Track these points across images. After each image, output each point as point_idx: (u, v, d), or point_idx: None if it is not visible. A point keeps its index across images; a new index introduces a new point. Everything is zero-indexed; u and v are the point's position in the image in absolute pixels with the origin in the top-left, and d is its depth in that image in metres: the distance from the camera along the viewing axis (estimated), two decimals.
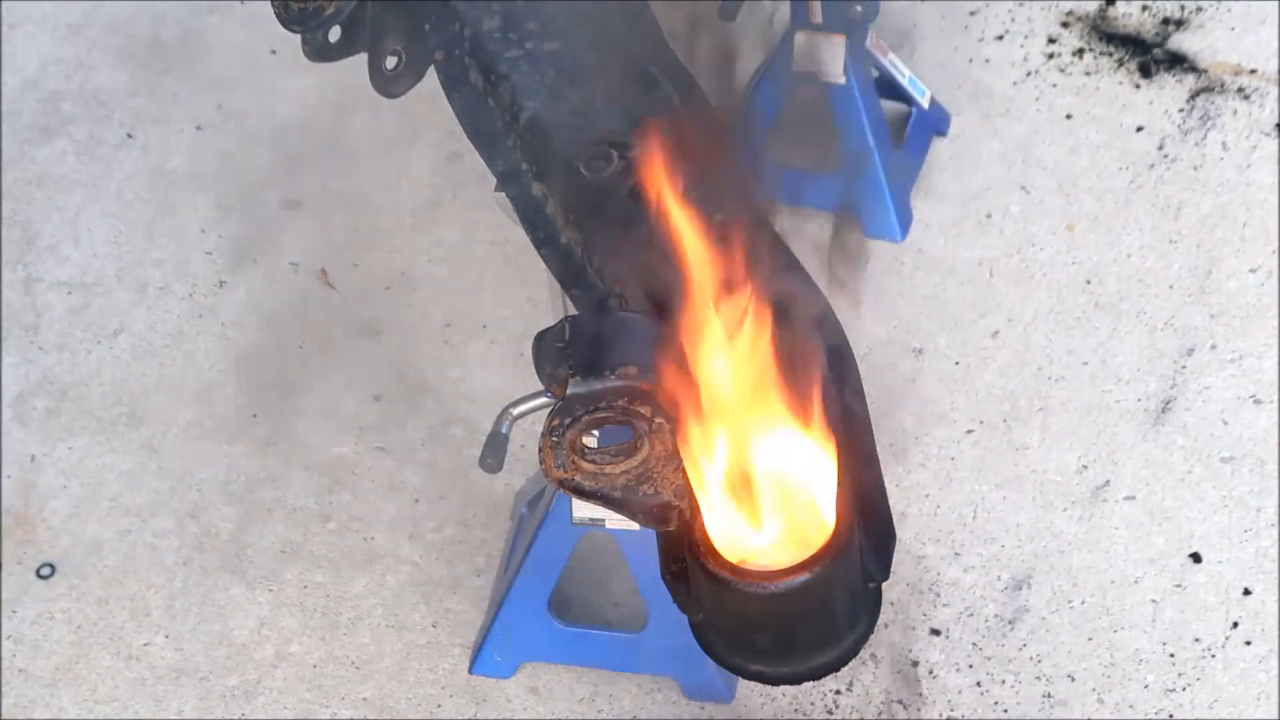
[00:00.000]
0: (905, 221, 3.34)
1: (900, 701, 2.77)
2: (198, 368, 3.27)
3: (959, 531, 2.94)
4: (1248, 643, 2.79)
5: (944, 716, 2.75)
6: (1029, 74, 3.57)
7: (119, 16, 3.86)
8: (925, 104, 3.43)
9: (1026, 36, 3.63)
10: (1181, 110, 3.48)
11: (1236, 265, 3.24)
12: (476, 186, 3.46)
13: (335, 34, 2.36)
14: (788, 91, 3.30)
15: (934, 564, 2.91)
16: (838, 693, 2.78)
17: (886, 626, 2.83)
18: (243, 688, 2.87)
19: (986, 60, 3.61)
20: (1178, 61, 3.56)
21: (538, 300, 3.27)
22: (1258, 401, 3.06)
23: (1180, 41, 3.60)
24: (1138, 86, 3.53)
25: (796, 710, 2.77)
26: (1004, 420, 3.08)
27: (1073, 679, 2.78)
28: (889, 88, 3.39)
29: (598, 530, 2.63)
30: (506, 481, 3.05)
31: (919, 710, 2.76)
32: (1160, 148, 3.43)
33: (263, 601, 2.96)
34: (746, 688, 2.79)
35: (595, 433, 1.97)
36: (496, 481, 3.05)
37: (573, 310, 2.34)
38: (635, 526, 2.02)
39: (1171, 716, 2.73)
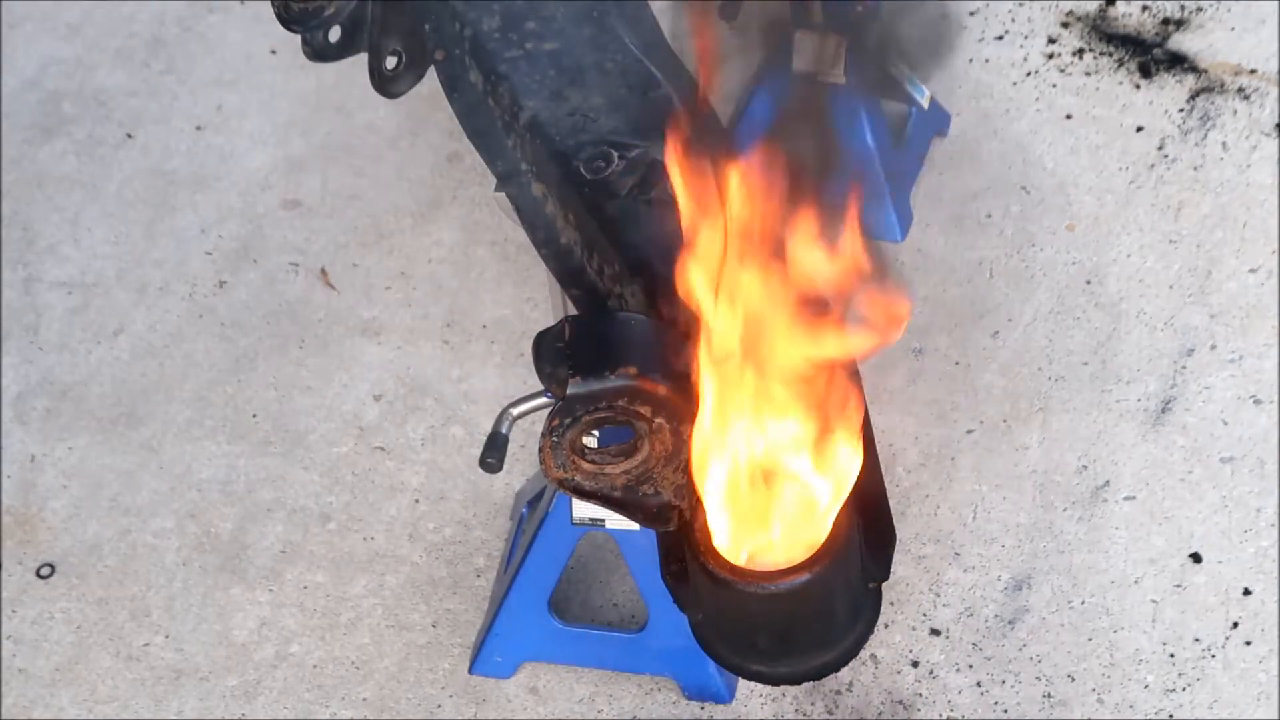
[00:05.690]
0: (905, 221, 3.34)
1: (900, 701, 2.77)
2: (198, 368, 3.27)
3: (959, 531, 2.94)
4: (1248, 643, 2.79)
5: (944, 716, 2.75)
6: (1029, 74, 3.57)
7: (119, 16, 3.86)
8: (925, 104, 3.43)
9: (1026, 36, 3.63)
10: (1181, 110, 3.48)
11: (1236, 265, 3.24)
12: (476, 186, 3.46)
13: (335, 34, 2.36)
14: (788, 91, 3.30)
15: (934, 564, 2.91)
16: (838, 693, 2.78)
17: (886, 626, 2.83)
18: (243, 688, 2.87)
19: (986, 60, 3.61)
20: (1178, 61, 3.56)
21: (538, 300, 3.27)
22: (1258, 401, 3.05)
23: (1180, 41, 3.59)
24: (1138, 86, 3.53)
25: (797, 710, 2.77)
26: (1004, 420, 3.07)
27: (1073, 679, 2.78)
28: (889, 88, 3.39)
29: (598, 530, 2.63)
30: (506, 481, 3.05)
31: (919, 710, 2.76)
32: (1160, 148, 3.43)
33: (263, 602, 2.96)
34: (746, 688, 2.79)
35: (595, 433, 1.97)
36: (496, 481, 3.05)
37: (573, 310, 2.34)
38: (635, 526, 2.03)
39: (1171, 716, 2.73)
